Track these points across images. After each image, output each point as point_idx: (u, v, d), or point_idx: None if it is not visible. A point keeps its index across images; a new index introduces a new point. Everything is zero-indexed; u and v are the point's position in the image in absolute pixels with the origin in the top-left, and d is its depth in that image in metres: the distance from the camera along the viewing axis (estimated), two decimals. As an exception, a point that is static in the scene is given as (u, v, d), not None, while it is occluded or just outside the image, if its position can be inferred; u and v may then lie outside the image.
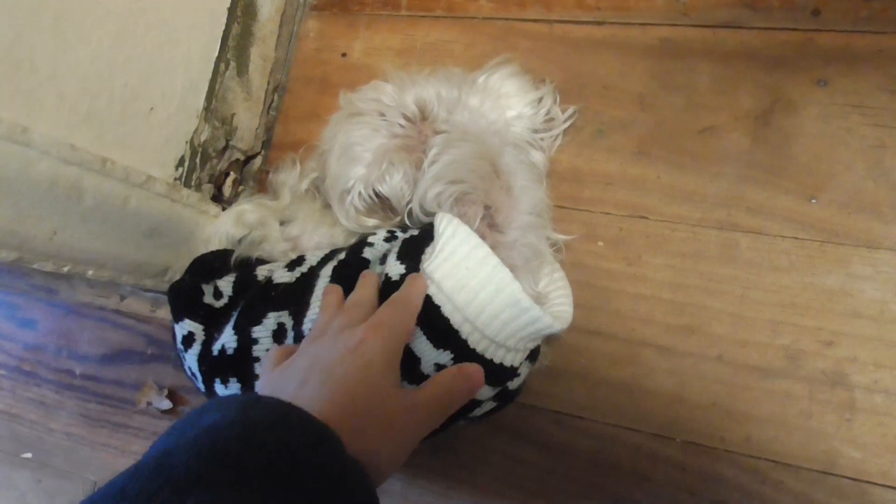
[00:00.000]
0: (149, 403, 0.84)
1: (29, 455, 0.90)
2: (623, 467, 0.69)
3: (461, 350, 0.54)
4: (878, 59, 0.68)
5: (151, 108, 0.71)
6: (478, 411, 0.61)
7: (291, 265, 0.66)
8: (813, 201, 0.68)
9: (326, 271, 0.62)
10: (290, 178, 0.82)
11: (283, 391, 0.46)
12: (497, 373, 0.57)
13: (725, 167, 0.70)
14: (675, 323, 0.69)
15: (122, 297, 0.89)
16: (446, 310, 0.54)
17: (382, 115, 0.66)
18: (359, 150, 0.65)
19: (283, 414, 0.37)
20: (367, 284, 0.57)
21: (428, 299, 0.54)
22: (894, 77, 0.67)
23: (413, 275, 0.55)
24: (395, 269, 0.57)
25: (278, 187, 0.82)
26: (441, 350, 0.54)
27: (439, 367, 0.54)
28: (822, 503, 0.63)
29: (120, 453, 0.87)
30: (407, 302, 0.53)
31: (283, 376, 0.48)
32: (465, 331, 0.54)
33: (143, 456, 0.34)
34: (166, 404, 0.83)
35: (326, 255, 0.66)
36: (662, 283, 0.70)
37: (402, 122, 0.66)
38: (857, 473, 0.63)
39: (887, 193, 0.66)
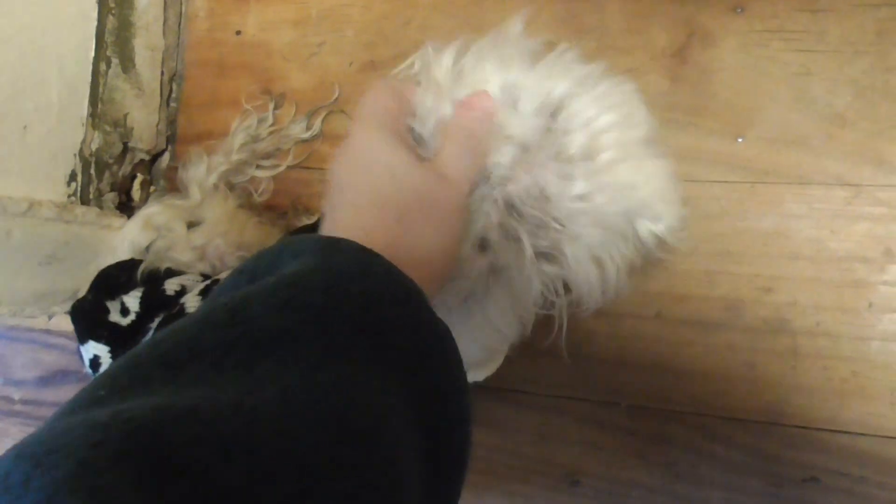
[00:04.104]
0: (92, 423, 0.81)
1: (-16, 486, 0.88)
2: (571, 438, 0.67)
3: None
4: (796, -24, 0.63)
5: (25, 127, 0.65)
6: None
7: (206, 294, 0.60)
8: (739, 140, 0.63)
9: None
10: (197, 173, 0.77)
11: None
12: None
13: (646, 112, 0.66)
14: (609, 284, 0.66)
15: (50, 316, 0.85)
16: None
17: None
18: None
19: (366, 262, 0.32)
20: None
21: None
22: (814, -6, 0.62)
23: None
24: None
25: (188, 184, 0.77)
26: None
27: None
28: (773, 455, 0.62)
29: (75, 473, 0.84)
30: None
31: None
32: None
33: (211, 301, 0.30)
34: (109, 422, 0.81)
35: None
36: (592, 244, 0.67)
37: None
38: (805, 421, 0.61)
39: (815, 124, 0.61)
